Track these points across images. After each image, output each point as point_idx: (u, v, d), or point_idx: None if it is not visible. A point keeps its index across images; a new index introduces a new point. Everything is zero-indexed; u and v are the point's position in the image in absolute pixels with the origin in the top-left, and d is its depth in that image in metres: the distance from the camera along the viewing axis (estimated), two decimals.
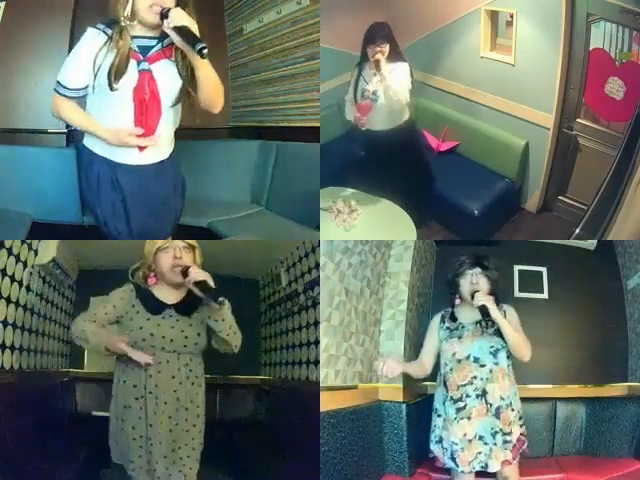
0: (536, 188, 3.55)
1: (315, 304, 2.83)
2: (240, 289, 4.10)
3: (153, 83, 1.85)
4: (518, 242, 3.26)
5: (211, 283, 1.74)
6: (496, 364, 2.04)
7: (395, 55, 2.86)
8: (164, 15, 1.73)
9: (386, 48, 2.79)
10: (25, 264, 2.50)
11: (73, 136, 3.87)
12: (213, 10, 4.64)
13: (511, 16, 3.21)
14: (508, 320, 2.04)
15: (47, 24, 3.95)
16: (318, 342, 2.22)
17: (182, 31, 1.74)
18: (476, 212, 3.32)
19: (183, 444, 1.87)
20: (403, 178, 3.21)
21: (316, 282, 2.65)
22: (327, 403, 1.98)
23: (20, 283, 2.45)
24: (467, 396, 2.04)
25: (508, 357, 2.07)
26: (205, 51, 1.72)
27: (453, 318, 2.17)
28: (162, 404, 1.81)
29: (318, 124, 3.44)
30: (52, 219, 3.46)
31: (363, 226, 2.80)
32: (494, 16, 3.38)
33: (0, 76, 3.85)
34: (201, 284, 1.74)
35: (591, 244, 3.17)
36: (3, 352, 2.24)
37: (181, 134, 4.24)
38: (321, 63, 3.45)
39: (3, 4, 3.70)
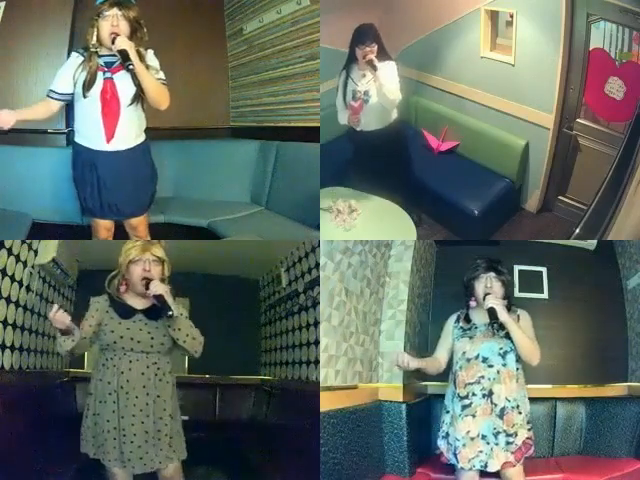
0: (536, 188, 3.55)
1: (315, 304, 2.83)
2: (240, 289, 4.10)
3: (114, 87, 2.45)
4: (518, 242, 3.26)
5: (167, 297, 1.94)
6: (504, 365, 2.07)
7: (383, 54, 2.89)
8: (113, 41, 2.37)
9: (375, 48, 2.84)
10: (25, 264, 2.50)
11: (73, 136, 3.87)
12: (213, 10, 4.64)
13: (511, 16, 3.21)
14: (520, 324, 2.08)
15: (47, 24, 3.95)
16: (318, 342, 2.22)
17: (120, 53, 2.37)
18: (476, 212, 3.32)
19: (156, 436, 2.00)
20: (398, 175, 3.23)
21: (316, 282, 2.65)
22: (327, 403, 1.98)
23: (20, 283, 2.45)
24: (473, 394, 2.06)
25: (517, 360, 2.09)
26: (131, 67, 2.37)
27: (467, 319, 2.22)
28: (133, 398, 1.98)
29: (318, 124, 3.43)
30: (52, 219, 3.45)
31: (363, 226, 2.80)
32: (494, 16, 3.38)
33: (0, 76, 3.85)
34: (158, 297, 1.94)
35: (591, 244, 3.17)
36: (3, 352, 2.24)
37: (181, 134, 4.25)
38: (321, 63, 3.45)
39: (3, 4, 3.69)
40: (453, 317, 2.27)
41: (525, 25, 3.15)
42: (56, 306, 1.84)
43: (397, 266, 2.74)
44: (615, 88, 2.89)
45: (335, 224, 2.80)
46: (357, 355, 2.37)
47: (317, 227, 2.81)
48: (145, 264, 2.01)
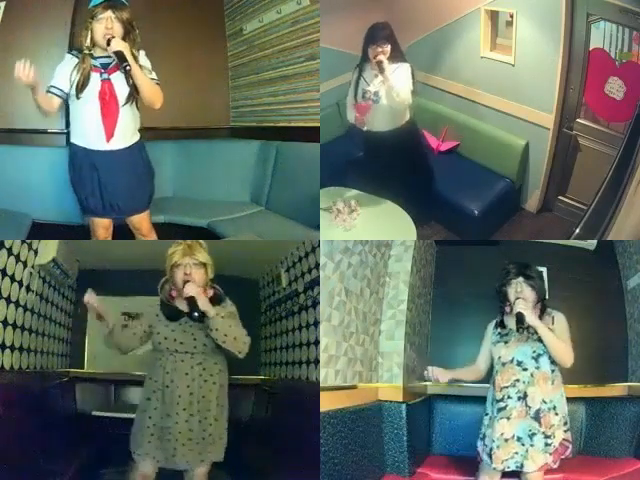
0: (536, 188, 3.55)
1: (315, 304, 2.82)
2: (240, 289, 4.08)
3: (112, 88, 2.49)
4: (518, 242, 3.26)
5: (198, 299, 1.99)
6: (537, 368, 2.08)
7: (397, 55, 2.84)
8: (108, 43, 2.40)
9: (387, 48, 2.78)
10: (25, 264, 2.50)
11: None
12: (213, 10, 4.64)
13: (511, 16, 3.21)
14: (554, 326, 2.10)
15: (47, 25, 3.95)
16: (318, 342, 2.22)
17: (117, 54, 2.41)
18: (476, 212, 3.32)
19: (200, 435, 2.06)
20: (404, 178, 3.20)
21: (316, 282, 2.65)
22: (327, 403, 1.98)
23: (20, 283, 2.45)
24: (509, 397, 2.08)
25: (552, 362, 2.10)
26: (128, 68, 2.39)
27: (503, 325, 2.24)
28: (176, 397, 2.05)
29: (318, 124, 3.44)
30: (52, 219, 3.46)
31: (363, 226, 2.80)
32: (494, 16, 3.38)
33: (0, 76, 3.85)
34: (189, 299, 2.00)
35: (591, 244, 3.17)
36: (3, 352, 2.24)
37: (181, 134, 4.26)
38: (321, 63, 3.45)
39: (3, 4, 3.69)
40: (492, 323, 2.30)
41: (525, 25, 3.15)
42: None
43: (397, 266, 2.74)
44: (615, 88, 2.89)
45: (335, 224, 2.80)
46: (357, 355, 2.36)
47: (317, 227, 2.80)
48: (186, 268, 2.06)
